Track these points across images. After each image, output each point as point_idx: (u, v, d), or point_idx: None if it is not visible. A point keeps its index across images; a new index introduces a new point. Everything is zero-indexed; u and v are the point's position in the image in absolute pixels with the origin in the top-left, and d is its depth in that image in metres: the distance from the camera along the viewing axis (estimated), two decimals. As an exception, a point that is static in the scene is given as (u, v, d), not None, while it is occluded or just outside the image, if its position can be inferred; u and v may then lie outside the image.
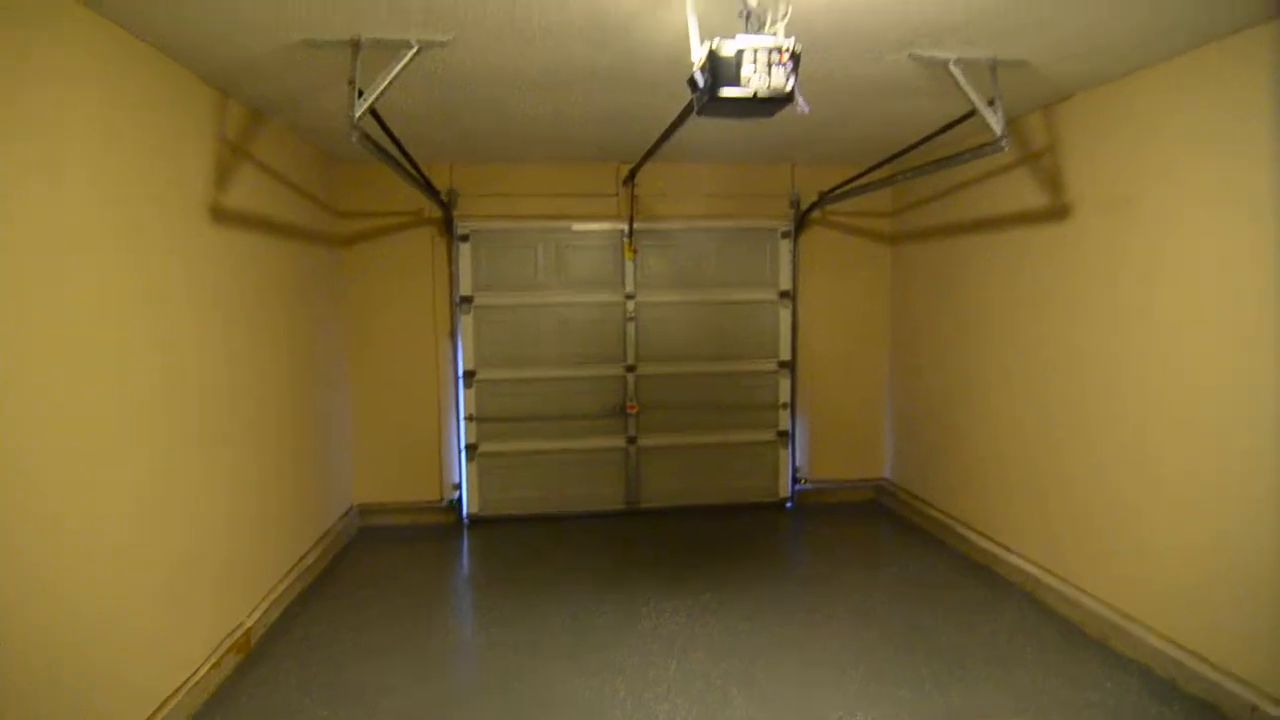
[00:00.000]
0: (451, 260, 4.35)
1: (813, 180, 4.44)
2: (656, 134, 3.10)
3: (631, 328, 4.53)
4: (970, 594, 3.34)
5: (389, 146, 2.91)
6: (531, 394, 4.51)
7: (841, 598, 3.34)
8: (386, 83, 2.30)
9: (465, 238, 4.36)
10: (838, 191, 4.08)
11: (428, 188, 3.54)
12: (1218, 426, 2.41)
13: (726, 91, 1.69)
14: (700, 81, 1.73)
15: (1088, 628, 2.94)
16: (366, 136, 2.40)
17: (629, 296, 4.52)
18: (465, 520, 4.47)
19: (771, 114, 1.83)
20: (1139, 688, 2.55)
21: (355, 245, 4.26)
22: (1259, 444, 2.27)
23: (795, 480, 4.73)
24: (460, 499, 4.47)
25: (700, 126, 2.56)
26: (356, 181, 4.16)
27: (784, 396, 4.69)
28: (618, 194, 4.43)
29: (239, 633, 2.81)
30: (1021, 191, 3.33)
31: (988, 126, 2.59)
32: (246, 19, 2.10)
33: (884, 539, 4.15)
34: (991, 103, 2.57)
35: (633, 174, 4.15)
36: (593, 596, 3.38)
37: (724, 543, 4.10)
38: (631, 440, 4.60)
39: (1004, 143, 2.58)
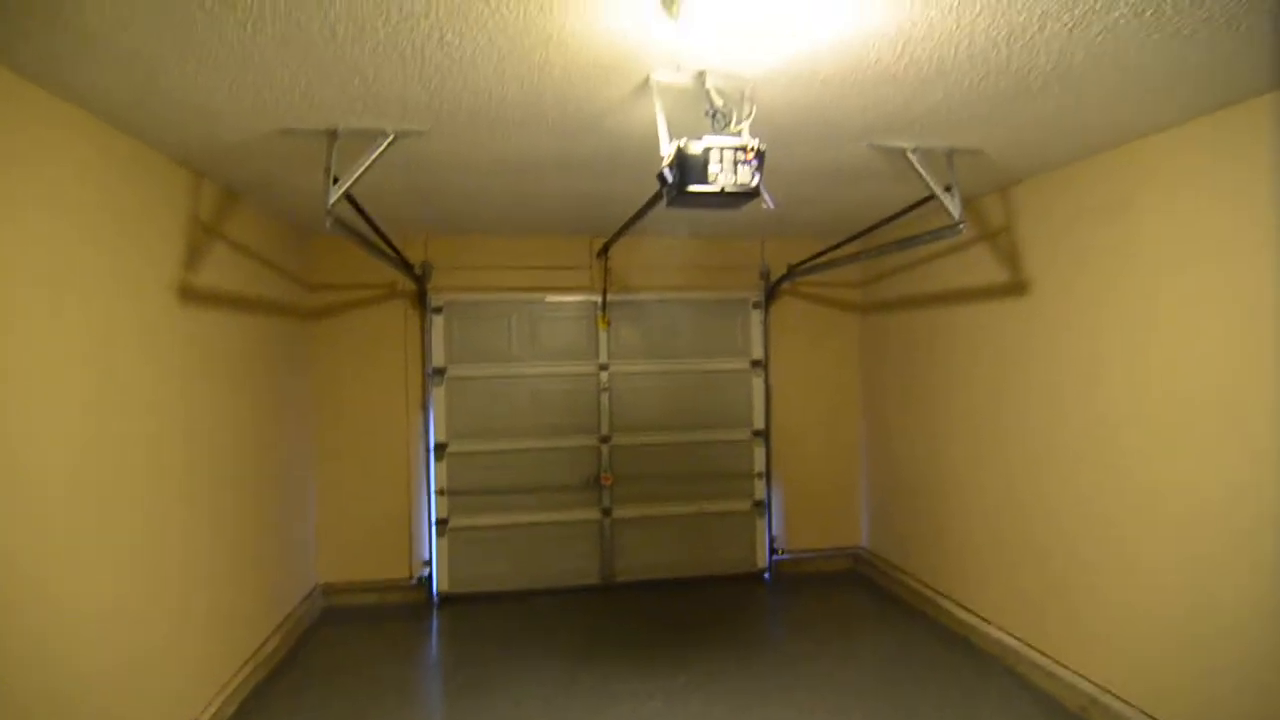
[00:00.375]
0: (424, 332, 4.34)
1: (782, 253, 4.56)
2: (629, 212, 3.18)
3: (605, 398, 4.54)
4: (950, 669, 3.30)
5: (363, 227, 2.93)
6: (505, 466, 4.45)
7: (821, 677, 3.27)
8: (361, 170, 2.34)
9: (439, 309, 4.37)
10: (806, 265, 4.19)
11: (402, 263, 3.56)
12: (1167, 493, 2.46)
13: (695, 188, 1.75)
14: (669, 177, 1.79)
15: (1067, 701, 2.91)
16: (340, 221, 2.42)
17: (603, 367, 4.54)
18: (435, 598, 4.34)
19: (739, 207, 1.89)
20: (1122, 769, 2.51)
21: (326, 318, 4.24)
22: (1214, 510, 2.32)
23: (772, 550, 4.68)
24: (430, 576, 4.35)
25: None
26: (329, 254, 4.17)
27: (759, 465, 4.69)
28: (591, 266, 4.49)
29: (192, 731, 2.67)
30: (982, 267, 3.45)
31: (946, 210, 2.70)
32: (221, 110, 2.14)
33: (862, 611, 4.11)
34: (949, 188, 2.68)
35: (606, 248, 4.22)
36: (567, 678, 3.27)
37: (701, 619, 4.01)
38: (606, 512, 4.54)
39: (961, 227, 2.69)
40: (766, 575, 4.66)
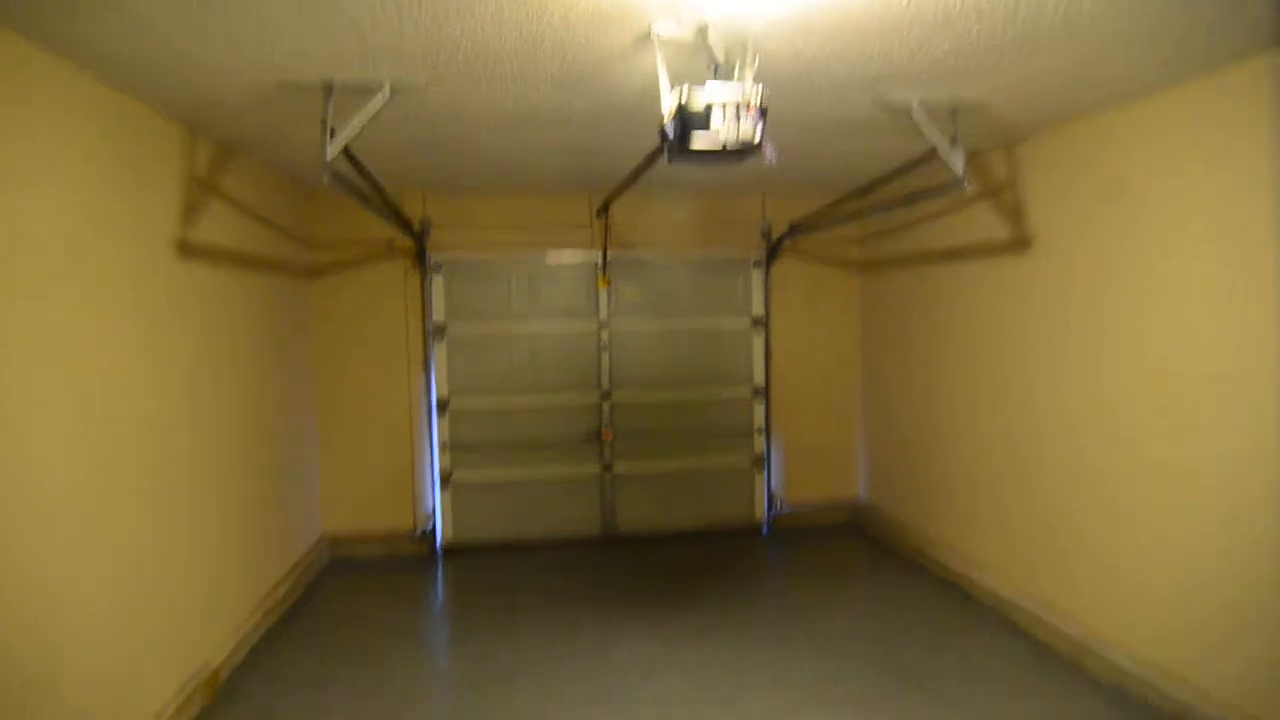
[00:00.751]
0: (424, 290, 4.34)
1: (783, 210, 4.52)
2: (630, 166, 3.15)
3: (606, 356, 4.56)
4: (944, 615, 3.39)
5: (361, 183, 2.91)
6: (506, 422, 4.50)
7: (818, 622, 3.37)
8: (359, 125, 2.31)
9: (438, 268, 4.36)
10: (807, 222, 4.16)
11: (400, 221, 3.54)
12: (1160, 445, 2.49)
13: (696, 144, 1.73)
14: (670, 132, 1.77)
15: (1059, 647, 3.00)
16: (338, 176, 2.41)
17: (603, 325, 4.55)
18: (439, 550, 4.43)
19: (740, 162, 1.87)
20: (1109, 706, 2.60)
21: (326, 275, 4.23)
22: (1206, 463, 2.36)
23: (771, 505, 4.76)
24: (434, 528, 4.43)
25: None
26: (328, 211, 4.15)
27: (759, 422, 4.74)
28: (591, 224, 4.47)
29: (206, 671, 2.75)
30: (984, 224, 3.43)
31: (949, 166, 2.67)
32: (216, 63, 2.11)
33: (859, 562, 4.19)
34: (954, 141, 2.65)
35: (606, 206, 4.19)
36: (569, 625, 3.37)
37: (701, 568, 4.11)
38: (607, 467, 4.61)
39: (965, 183, 2.66)
40: (765, 529, 4.75)
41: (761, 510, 4.77)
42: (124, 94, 2.32)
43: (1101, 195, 2.75)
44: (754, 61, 1.83)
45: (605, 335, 4.55)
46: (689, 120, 1.72)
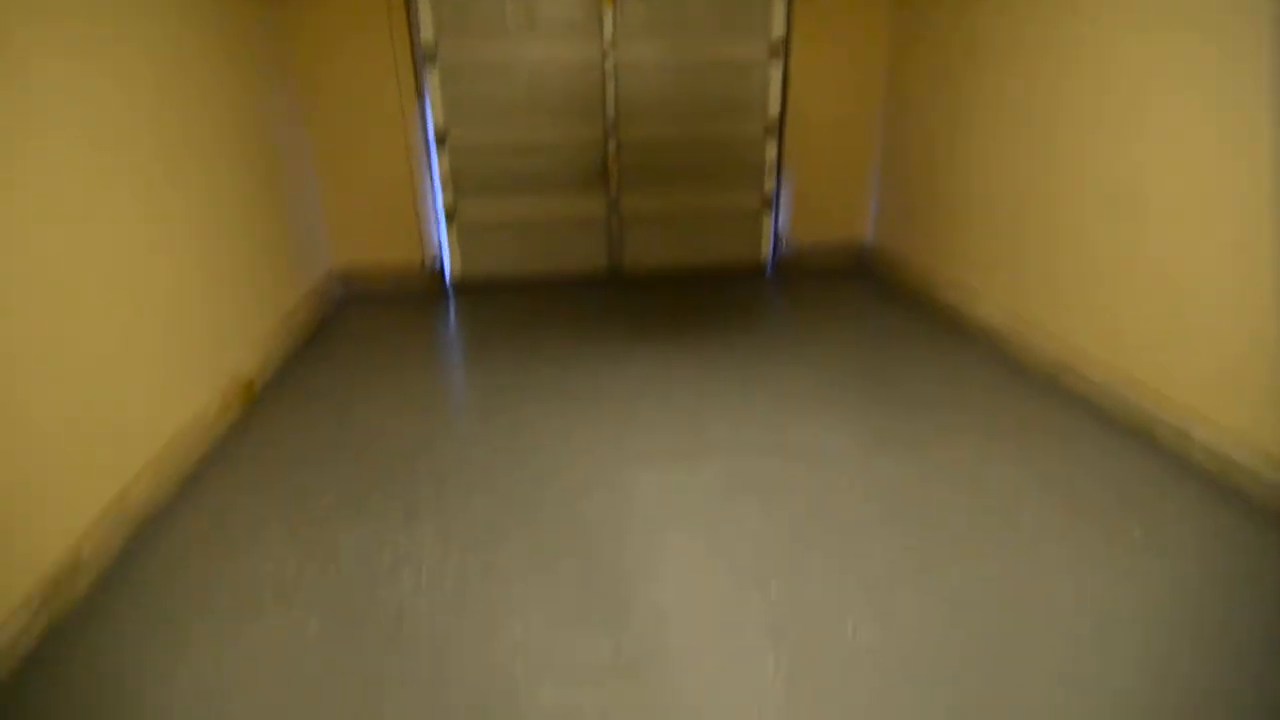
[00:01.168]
0: (410, 14, 3.94)
1: (814, -95, 3.94)
2: None
3: (611, 86, 4.26)
4: (939, 343, 3.53)
5: None
6: (509, 156, 4.34)
7: (816, 348, 3.52)
8: None
9: (425, -23, 3.93)
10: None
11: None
12: (1159, 193, 2.40)
13: None
14: None
15: (1041, 369, 3.16)
16: None
17: (607, 51, 4.19)
18: (449, 285, 4.53)
19: None
20: (1084, 416, 2.80)
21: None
22: (1220, 191, 2.29)
23: (778, 245, 4.76)
24: (442, 264, 4.49)
25: None
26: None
27: (770, 159, 4.56)
28: (594, -79, 3.93)
29: (240, 380, 2.95)
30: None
31: None
32: None
33: (861, 299, 4.29)
34: None
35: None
36: (578, 350, 3.53)
37: (705, 302, 4.22)
38: (613, 205, 4.53)
39: None
40: (770, 269, 4.79)
41: (767, 251, 4.78)
42: None
43: None
44: None
45: (610, 63, 4.21)
46: None
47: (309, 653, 1.74)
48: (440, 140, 4.24)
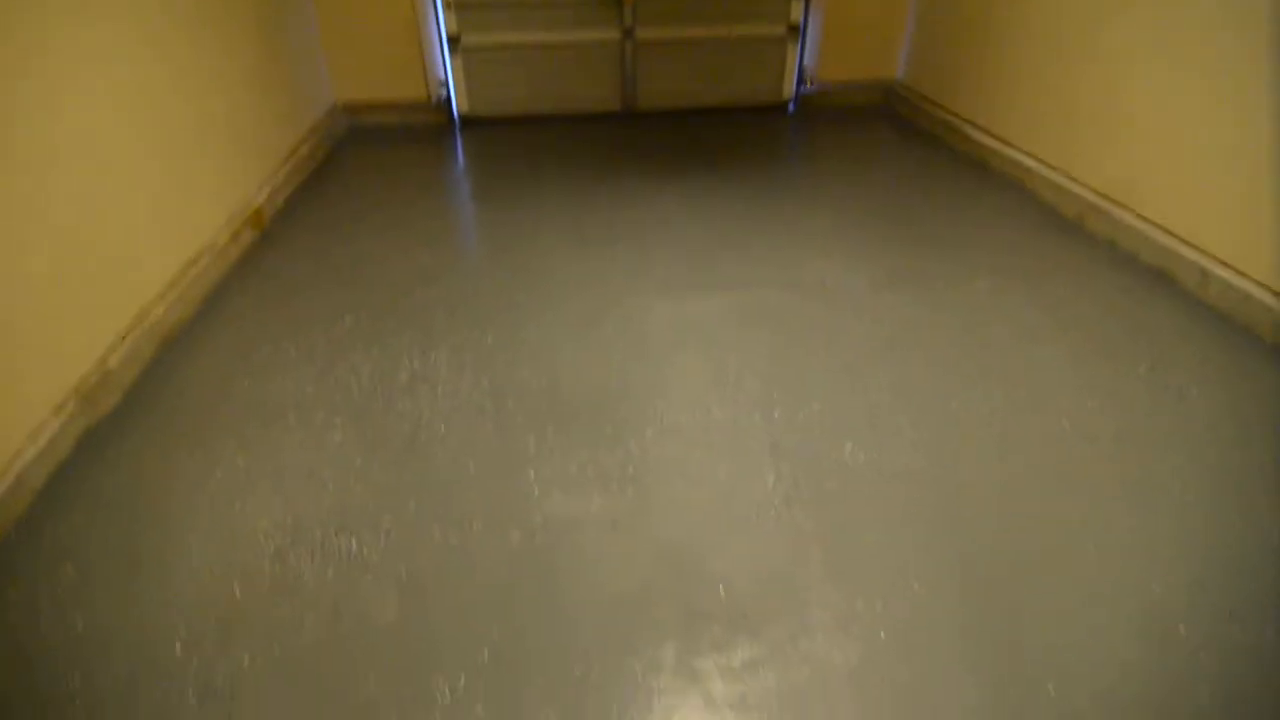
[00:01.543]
0: None
1: None
2: None
3: (627, -112, 3.86)
4: (963, 185, 3.41)
5: None
6: (515, -25, 4.03)
7: (835, 186, 3.41)
8: None
9: None
10: None
11: None
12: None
13: None
14: None
15: (1066, 211, 3.06)
16: None
17: None
18: (456, 120, 4.36)
19: None
20: (1100, 255, 2.74)
21: None
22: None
23: (802, 81, 4.49)
24: (448, 97, 4.29)
25: None
26: None
27: (798, -18, 4.21)
28: None
29: (250, 210, 2.92)
30: None
31: None
32: None
33: (887, 139, 4.09)
34: None
35: None
36: (589, 184, 3.45)
37: (722, 140, 4.05)
38: (628, 33, 4.24)
39: None
40: (792, 107, 4.55)
41: (790, 87, 4.51)
42: None
43: None
44: None
45: None
46: None
47: (332, 460, 1.84)
48: (441, -44, 3.92)
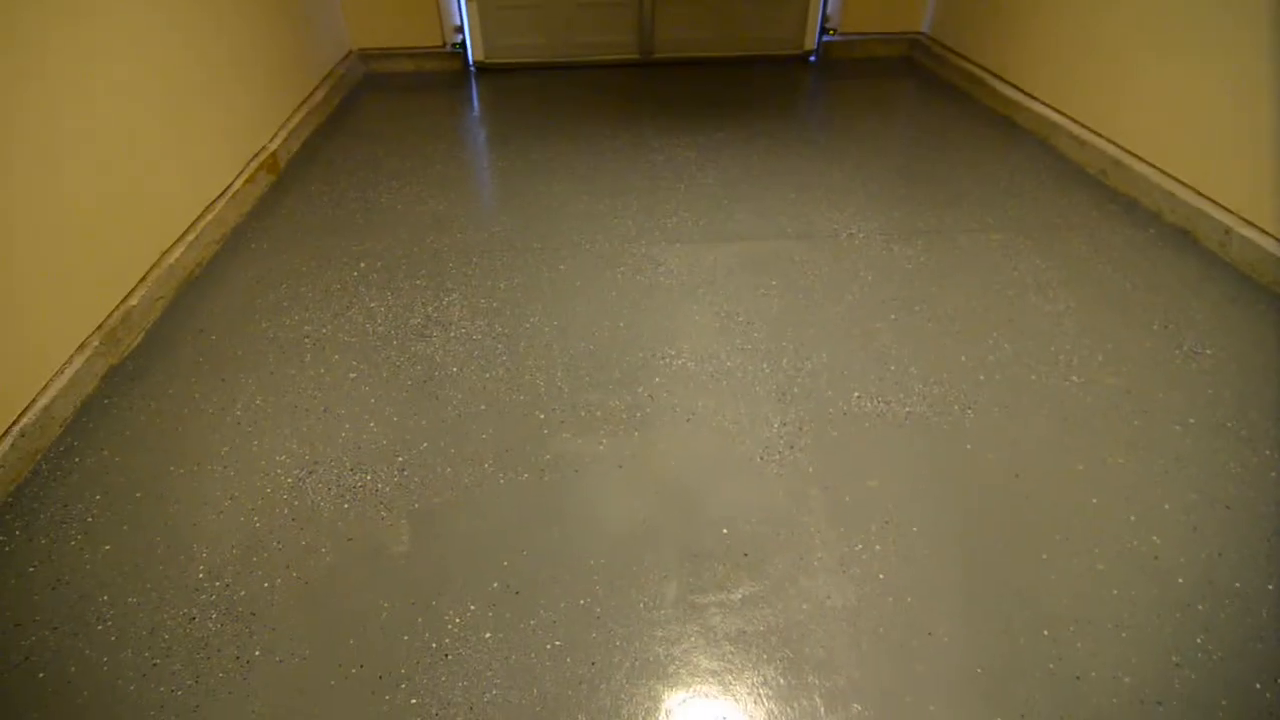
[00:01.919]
0: None
1: None
2: None
3: None
4: (984, 140, 3.34)
5: None
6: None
7: (854, 139, 3.36)
8: None
9: None
10: None
11: None
12: None
13: None
14: None
15: (1089, 167, 3.00)
16: None
17: None
18: (472, 67, 4.31)
19: None
20: (1119, 212, 2.69)
21: None
22: None
23: (823, 31, 4.38)
24: (464, 44, 4.24)
25: None
26: None
27: (823, -75, 4.08)
28: None
29: (265, 154, 2.93)
30: None
31: None
32: None
33: (909, 92, 4.00)
34: None
35: None
36: (606, 133, 3.41)
37: (740, 91, 3.98)
38: (647, -22, 4.15)
39: None
40: (814, 58, 4.45)
41: (813, 37, 4.40)
42: None
43: None
44: None
45: None
46: None
47: (347, 399, 1.88)
48: (457, -105, 3.83)
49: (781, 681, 1.26)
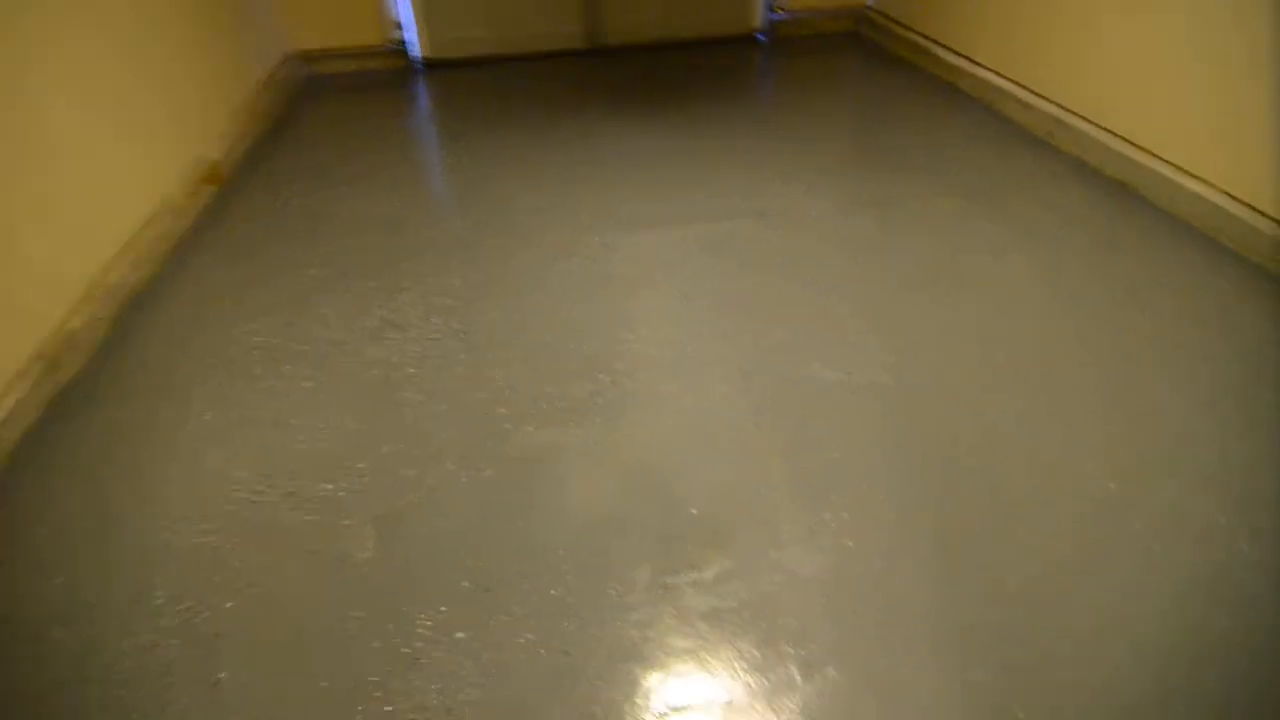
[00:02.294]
0: None
1: None
2: None
3: None
4: (931, 107, 3.37)
5: None
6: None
7: (803, 115, 3.36)
8: None
9: None
10: None
11: None
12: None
13: None
14: None
15: (1035, 129, 3.04)
16: None
17: None
18: (418, 64, 4.23)
19: None
20: (1066, 172, 2.74)
21: None
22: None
23: (771, 9, 4.37)
24: (406, 39, 4.16)
25: None
26: None
27: (761, -97, 4.07)
28: None
29: (205, 165, 2.84)
30: None
31: None
32: None
33: (856, 66, 4.02)
34: None
35: None
36: (556, 124, 3.38)
37: (689, 74, 3.96)
38: (588, -35, 4.11)
39: None
40: (762, 36, 4.45)
41: (760, 17, 4.40)
42: None
43: None
44: None
45: None
46: None
47: (301, 408, 1.84)
48: (387, -111, 3.74)
49: (757, 654, 1.26)
